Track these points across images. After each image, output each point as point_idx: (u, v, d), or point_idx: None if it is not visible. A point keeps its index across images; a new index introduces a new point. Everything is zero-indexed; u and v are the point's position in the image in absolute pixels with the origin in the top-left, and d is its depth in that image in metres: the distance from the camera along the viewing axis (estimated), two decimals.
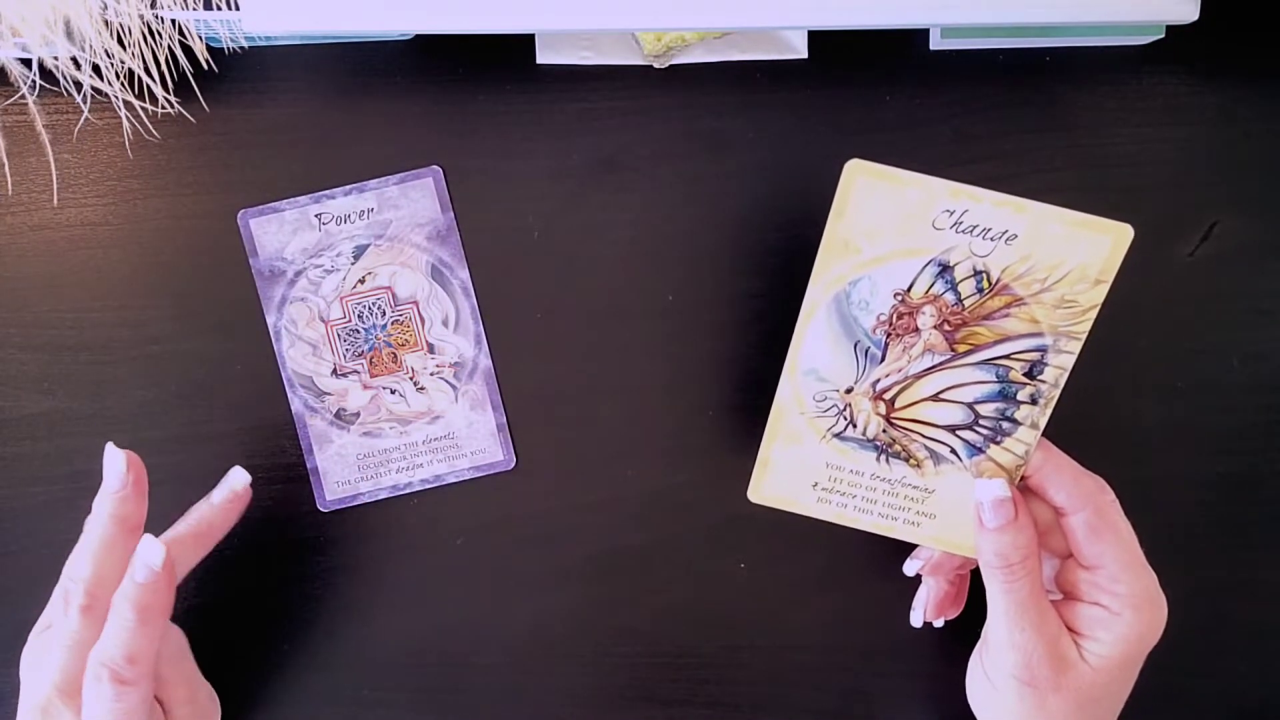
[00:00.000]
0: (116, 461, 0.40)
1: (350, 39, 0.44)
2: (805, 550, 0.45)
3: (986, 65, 0.45)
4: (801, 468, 0.40)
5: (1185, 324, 0.45)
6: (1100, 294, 0.37)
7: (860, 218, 0.37)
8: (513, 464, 0.45)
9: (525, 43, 0.44)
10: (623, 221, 0.45)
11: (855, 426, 0.39)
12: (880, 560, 0.45)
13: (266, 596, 0.45)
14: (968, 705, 0.42)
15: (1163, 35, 0.44)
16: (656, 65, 0.44)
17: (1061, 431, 0.45)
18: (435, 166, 0.44)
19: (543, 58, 0.45)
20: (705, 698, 0.46)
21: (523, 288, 0.45)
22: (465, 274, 0.45)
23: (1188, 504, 0.45)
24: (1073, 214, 0.36)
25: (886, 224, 0.36)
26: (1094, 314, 0.37)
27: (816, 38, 0.45)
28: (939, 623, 0.44)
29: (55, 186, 0.44)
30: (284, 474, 0.45)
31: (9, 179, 0.44)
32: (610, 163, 0.45)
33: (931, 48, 0.45)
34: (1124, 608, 0.37)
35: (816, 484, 0.40)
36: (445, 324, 0.45)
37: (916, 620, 0.44)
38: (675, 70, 0.45)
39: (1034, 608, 0.37)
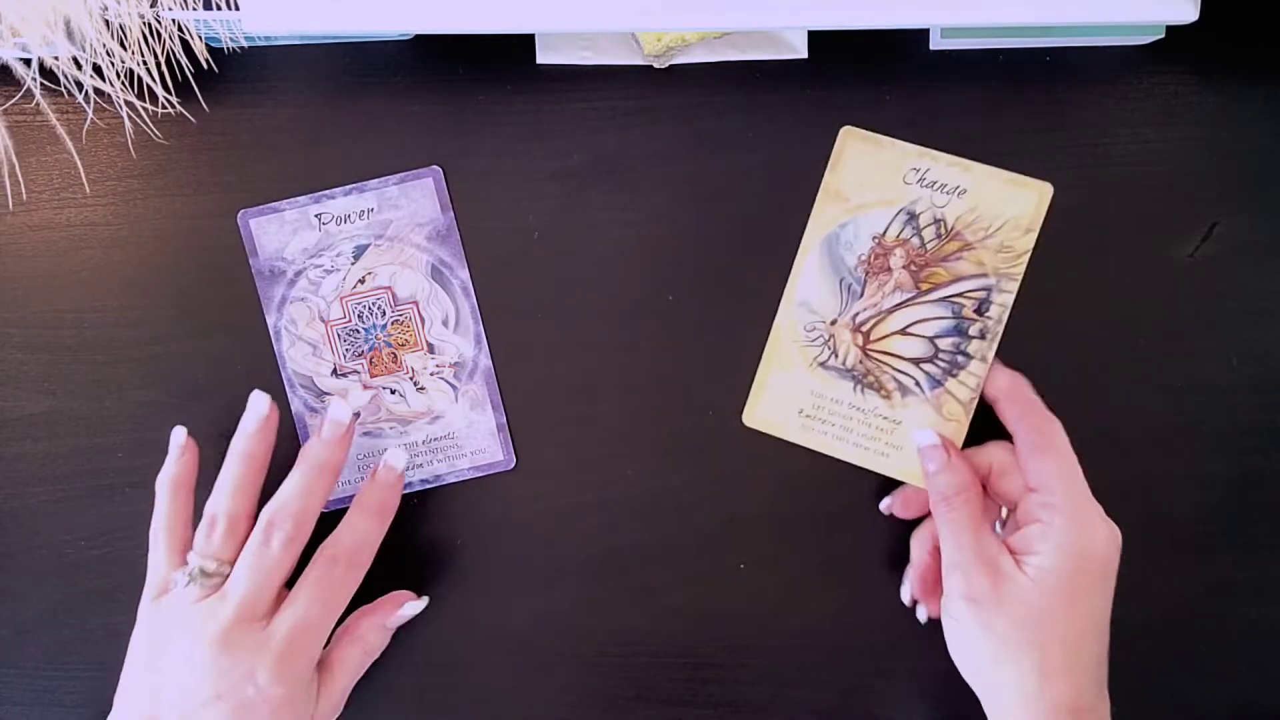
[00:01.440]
0: (342, 412, 0.42)
1: (350, 39, 0.44)
2: (805, 550, 0.45)
3: (986, 65, 0.45)
4: (790, 394, 0.44)
5: (1185, 324, 0.45)
6: (1030, 241, 0.43)
7: (849, 172, 0.44)
8: (513, 464, 0.45)
9: (525, 43, 0.44)
10: (623, 221, 0.45)
11: (837, 356, 0.44)
12: (880, 560, 0.45)
13: None
14: (968, 704, 0.42)
15: (1163, 35, 0.44)
16: (656, 65, 0.44)
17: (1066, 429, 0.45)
18: (435, 167, 0.45)
19: (543, 58, 0.45)
20: (705, 698, 0.46)
21: (523, 288, 0.45)
22: (465, 274, 0.45)
23: (1188, 504, 0.45)
24: (1006, 173, 0.43)
25: (869, 178, 0.44)
26: (1026, 258, 0.43)
27: (816, 38, 0.45)
28: (924, 616, 0.44)
29: (84, 178, 0.44)
30: (285, 474, 0.45)
31: (19, 180, 0.44)
32: (610, 163, 0.45)
33: (931, 48, 0.45)
34: (1055, 515, 0.39)
35: (802, 410, 0.44)
36: (445, 324, 0.45)
37: (906, 595, 0.44)
38: (675, 70, 0.45)
39: (971, 531, 0.40)
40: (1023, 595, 0.39)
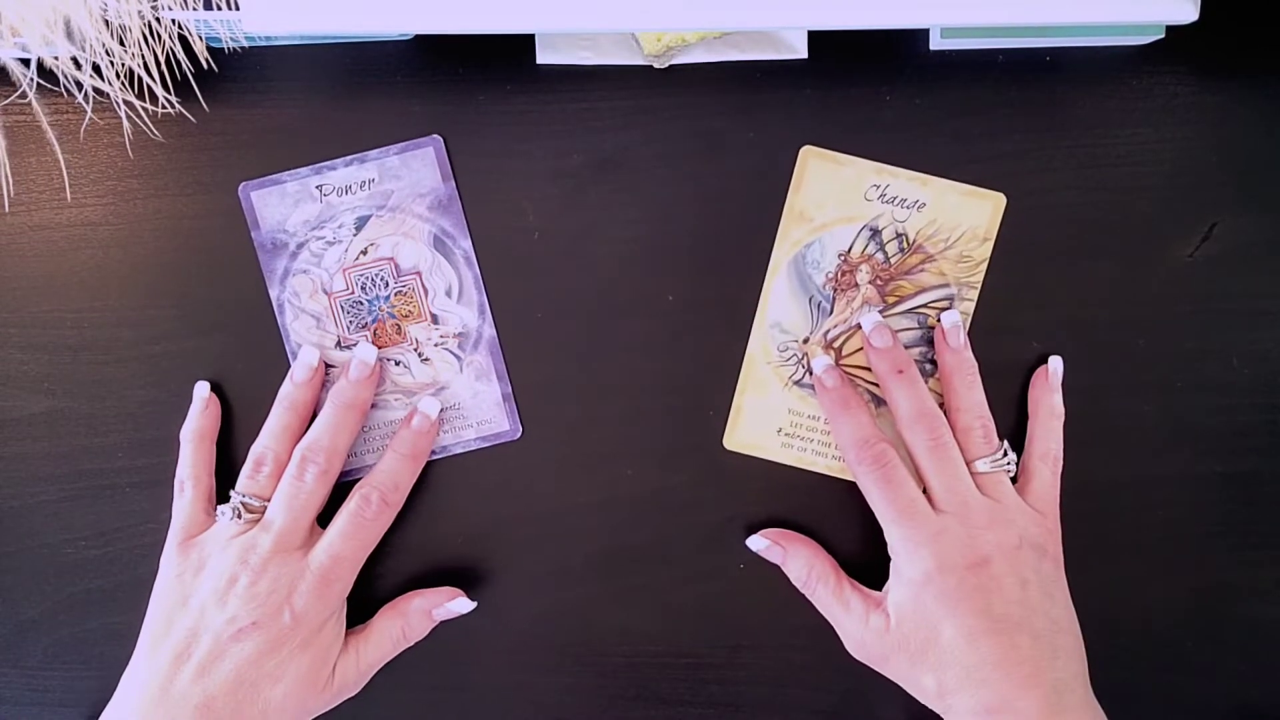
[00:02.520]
0: (368, 353, 0.44)
1: (350, 39, 0.44)
2: None
3: (986, 65, 0.45)
4: (768, 415, 0.45)
5: (1185, 324, 0.45)
6: (987, 250, 0.45)
7: (811, 192, 0.45)
8: (518, 434, 0.45)
9: (525, 43, 0.44)
10: (623, 221, 0.45)
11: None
12: (879, 561, 0.45)
13: None
14: None
15: (1163, 35, 0.44)
16: (656, 65, 0.44)
17: (1065, 431, 0.45)
18: (435, 136, 0.44)
19: (543, 58, 0.45)
20: (705, 698, 0.46)
21: (523, 288, 0.45)
22: (468, 243, 0.45)
23: (1188, 504, 0.45)
24: (962, 185, 0.44)
25: (831, 197, 0.45)
26: (985, 266, 0.45)
27: (816, 38, 0.45)
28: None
29: (67, 183, 0.45)
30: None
31: (9, 180, 0.44)
32: (610, 163, 0.45)
33: (931, 48, 0.45)
34: (894, 556, 0.42)
35: (780, 429, 0.45)
36: (449, 294, 0.45)
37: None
38: (675, 70, 0.45)
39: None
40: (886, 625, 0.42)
